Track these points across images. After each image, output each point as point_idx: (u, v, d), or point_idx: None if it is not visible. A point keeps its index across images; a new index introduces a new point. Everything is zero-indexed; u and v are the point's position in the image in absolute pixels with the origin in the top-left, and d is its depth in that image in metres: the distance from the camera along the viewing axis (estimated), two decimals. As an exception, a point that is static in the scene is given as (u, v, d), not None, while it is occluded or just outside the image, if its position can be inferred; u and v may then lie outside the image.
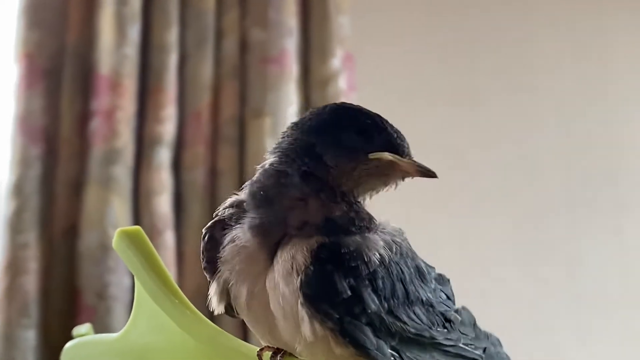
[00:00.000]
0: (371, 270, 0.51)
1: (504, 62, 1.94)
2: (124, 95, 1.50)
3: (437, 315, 0.55)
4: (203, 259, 0.58)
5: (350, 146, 0.56)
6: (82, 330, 0.73)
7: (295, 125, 0.59)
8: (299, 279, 0.51)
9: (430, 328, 0.54)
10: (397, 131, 0.58)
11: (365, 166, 0.56)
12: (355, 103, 1.67)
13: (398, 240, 0.55)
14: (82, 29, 1.54)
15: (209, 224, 0.59)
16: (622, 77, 2.01)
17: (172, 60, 1.55)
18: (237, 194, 0.60)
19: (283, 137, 0.59)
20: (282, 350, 0.54)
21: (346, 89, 1.59)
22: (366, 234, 0.54)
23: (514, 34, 1.97)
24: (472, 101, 1.89)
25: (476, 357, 0.56)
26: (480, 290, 1.68)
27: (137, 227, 0.59)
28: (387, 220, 0.57)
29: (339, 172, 0.56)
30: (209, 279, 0.57)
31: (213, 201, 1.53)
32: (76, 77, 1.53)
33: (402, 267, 0.54)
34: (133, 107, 1.52)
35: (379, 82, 1.79)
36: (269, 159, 0.58)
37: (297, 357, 0.53)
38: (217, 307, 0.57)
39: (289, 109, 1.55)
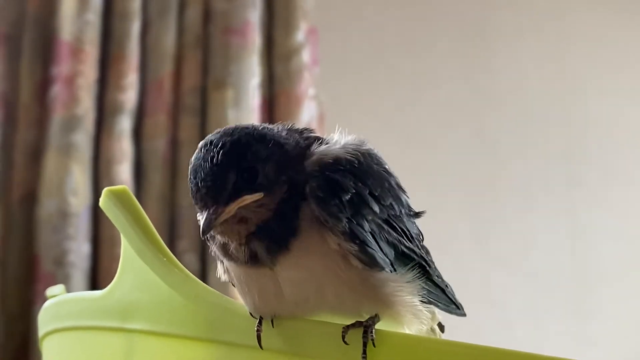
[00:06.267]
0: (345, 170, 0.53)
1: (464, 41, 1.96)
2: (86, 61, 1.49)
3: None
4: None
5: None
6: (56, 291, 0.73)
7: None
8: (308, 187, 0.52)
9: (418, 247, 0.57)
10: (192, 187, 0.52)
11: None
12: (315, 79, 1.68)
13: (363, 149, 0.56)
14: (43, -5, 1.52)
15: None
16: (579, 57, 2.04)
17: (135, 28, 1.53)
18: None
19: None
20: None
21: (309, 63, 1.59)
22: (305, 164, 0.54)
23: (473, 13, 1.98)
24: (432, 77, 1.91)
25: (443, 287, 0.60)
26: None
27: (124, 186, 0.59)
28: (339, 138, 0.56)
29: None
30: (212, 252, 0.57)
31: (173, 171, 1.52)
32: (37, 43, 1.51)
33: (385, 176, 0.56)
34: (94, 74, 1.50)
35: (342, 57, 1.79)
36: None
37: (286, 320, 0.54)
38: (224, 277, 0.58)
39: (251, 81, 1.55)
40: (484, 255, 1.88)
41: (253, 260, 0.52)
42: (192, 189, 0.52)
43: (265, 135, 0.53)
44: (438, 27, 1.95)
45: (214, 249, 0.56)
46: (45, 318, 0.68)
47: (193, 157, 0.52)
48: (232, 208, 0.51)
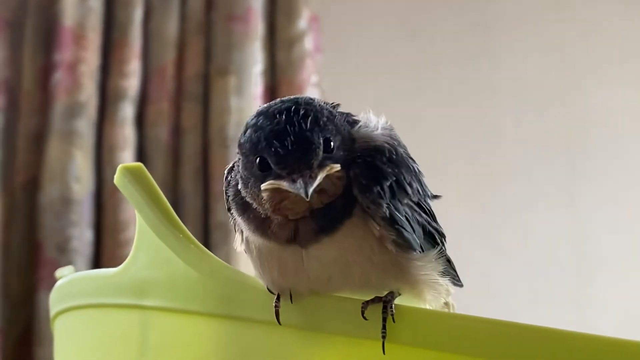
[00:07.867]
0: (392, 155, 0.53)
1: (465, 30, 1.95)
2: (88, 48, 1.49)
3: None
4: (226, 200, 0.56)
5: (250, 179, 0.52)
6: (66, 272, 0.72)
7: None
8: (352, 173, 0.51)
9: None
10: (277, 150, 0.49)
11: (265, 201, 0.51)
12: (318, 66, 1.68)
13: (394, 135, 0.55)
14: (45, -20, 1.51)
15: (230, 165, 0.56)
16: (580, 46, 2.04)
17: (137, 15, 1.53)
18: None
19: None
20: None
21: (312, 50, 1.59)
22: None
23: (474, 2, 1.98)
24: (433, 65, 1.91)
25: (452, 261, 0.61)
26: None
27: (139, 163, 0.59)
28: (376, 121, 0.56)
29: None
30: (231, 223, 0.56)
31: (176, 158, 1.52)
32: (39, 29, 1.51)
33: (411, 163, 0.56)
34: (97, 61, 1.50)
35: (344, 44, 1.79)
36: None
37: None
38: (240, 247, 0.56)
39: (253, 68, 1.54)
40: (483, 245, 1.87)
41: (292, 238, 0.51)
42: (277, 152, 0.49)
43: (331, 111, 0.52)
44: (440, 15, 1.94)
45: (237, 219, 0.54)
46: (57, 297, 0.67)
47: (263, 124, 0.50)
48: (322, 175, 0.49)
